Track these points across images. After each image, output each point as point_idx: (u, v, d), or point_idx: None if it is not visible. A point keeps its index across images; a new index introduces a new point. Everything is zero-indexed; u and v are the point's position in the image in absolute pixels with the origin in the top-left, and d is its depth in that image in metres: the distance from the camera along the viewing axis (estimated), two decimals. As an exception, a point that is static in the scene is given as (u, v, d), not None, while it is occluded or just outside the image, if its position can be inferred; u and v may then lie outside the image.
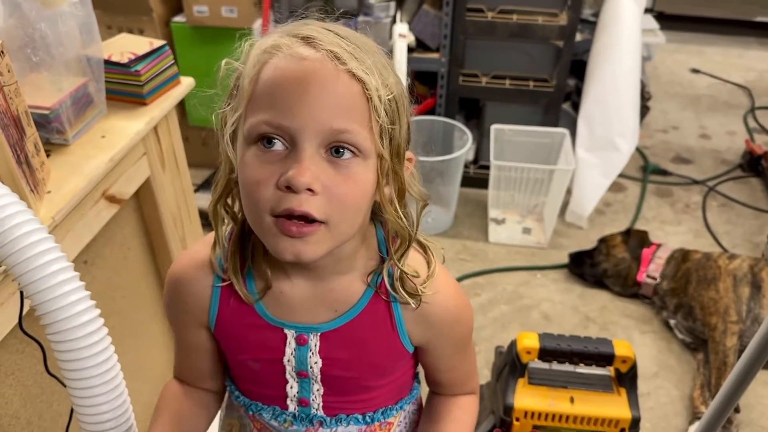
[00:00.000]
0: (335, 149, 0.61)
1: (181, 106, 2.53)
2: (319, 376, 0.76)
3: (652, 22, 3.20)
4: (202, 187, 2.56)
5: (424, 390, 0.90)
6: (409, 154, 0.69)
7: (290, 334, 0.74)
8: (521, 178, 2.41)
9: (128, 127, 1.13)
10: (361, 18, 2.34)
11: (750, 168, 2.85)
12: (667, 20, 3.83)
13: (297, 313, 0.74)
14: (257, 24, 2.36)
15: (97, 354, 0.78)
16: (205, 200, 2.62)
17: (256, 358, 0.76)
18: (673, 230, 2.50)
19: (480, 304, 2.11)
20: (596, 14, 2.53)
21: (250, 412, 0.82)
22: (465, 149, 2.35)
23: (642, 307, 2.13)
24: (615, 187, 2.65)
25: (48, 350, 0.91)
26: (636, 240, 2.14)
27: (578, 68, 2.56)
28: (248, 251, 0.73)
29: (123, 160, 1.11)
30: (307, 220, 0.61)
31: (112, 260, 1.21)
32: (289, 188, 0.60)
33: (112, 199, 1.11)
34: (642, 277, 2.08)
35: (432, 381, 0.86)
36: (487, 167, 2.44)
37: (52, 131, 1.05)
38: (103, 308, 0.81)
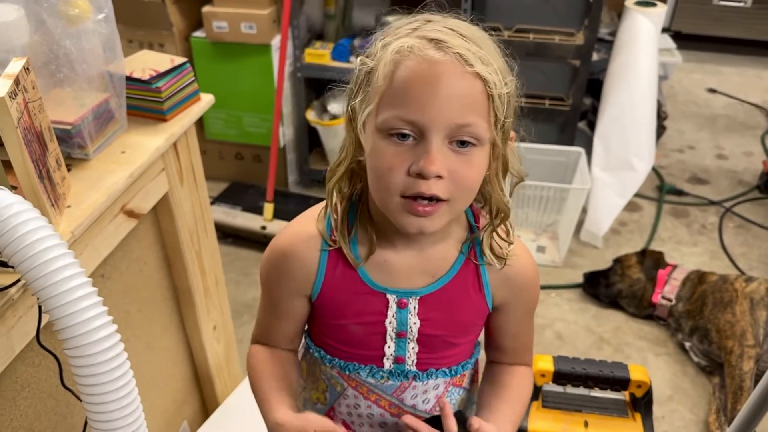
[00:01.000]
0: (459, 142, 0.69)
1: (199, 120, 2.56)
2: (416, 336, 0.84)
3: (669, 42, 3.20)
4: (218, 199, 2.58)
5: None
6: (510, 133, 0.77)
7: (392, 299, 0.82)
8: (536, 196, 2.40)
9: (148, 142, 1.14)
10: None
11: (767, 189, 2.83)
12: (684, 40, 3.83)
13: (398, 279, 0.82)
14: (276, 40, 2.38)
15: (112, 370, 0.79)
16: (220, 213, 2.60)
17: (359, 322, 0.84)
18: (689, 251, 2.48)
19: (493, 323, 2.10)
20: (613, 33, 2.53)
21: (347, 372, 0.88)
22: (480, 167, 2.35)
23: (657, 328, 2.11)
24: (630, 207, 2.64)
25: (64, 364, 0.92)
26: (651, 261, 2.13)
27: (595, 87, 2.56)
28: (354, 223, 0.82)
29: (142, 176, 1.12)
30: (432, 199, 0.70)
31: (129, 274, 1.22)
32: (420, 175, 0.68)
33: (130, 214, 1.12)
34: (657, 298, 2.06)
35: (496, 347, 0.93)
36: (502, 185, 2.44)
37: (73, 146, 1.07)
38: (119, 322, 0.82)
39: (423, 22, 0.72)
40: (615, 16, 3.14)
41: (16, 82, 0.85)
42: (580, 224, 2.46)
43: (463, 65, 0.67)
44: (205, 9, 2.34)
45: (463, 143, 0.70)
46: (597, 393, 1.39)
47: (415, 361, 0.86)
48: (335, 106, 2.53)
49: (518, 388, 0.92)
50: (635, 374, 1.30)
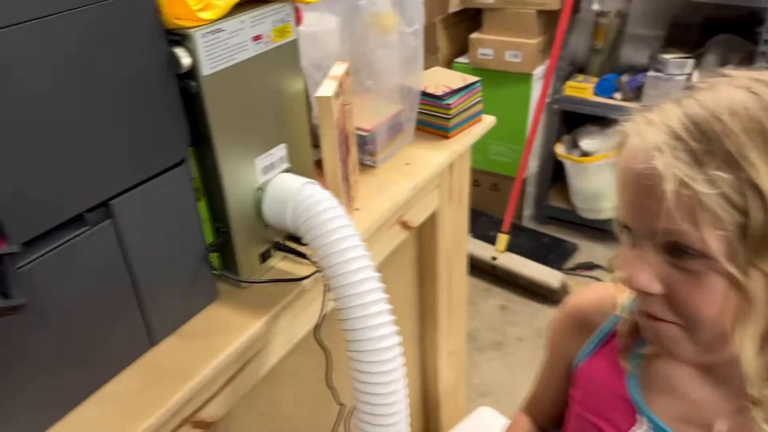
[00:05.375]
0: (674, 251, 0.55)
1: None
2: None
3: None
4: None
5: None
6: None
7: (641, 422, 0.67)
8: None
9: (431, 157, 1.14)
10: (650, 73, 2.19)
11: None
12: None
13: (662, 406, 0.66)
14: (538, 70, 2.34)
15: (387, 371, 0.79)
16: (474, 246, 2.50)
17: (596, 424, 0.71)
18: None
19: None
20: None
21: None
22: None
23: None
24: None
25: (332, 361, 0.93)
26: None
27: None
28: None
29: (420, 190, 1.12)
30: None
31: (388, 285, 1.23)
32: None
33: (404, 225, 1.12)
34: None
35: None
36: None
37: (365, 152, 1.10)
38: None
39: (685, 95, 0.56)
40: None
41: (340, 84, 0.89)
42: None
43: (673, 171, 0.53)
44: (473, 36, 2.37)
45: (679, 253, 0.54)
46: None
47: None
48: (588, 143, 2.41)
49: None
50: None
